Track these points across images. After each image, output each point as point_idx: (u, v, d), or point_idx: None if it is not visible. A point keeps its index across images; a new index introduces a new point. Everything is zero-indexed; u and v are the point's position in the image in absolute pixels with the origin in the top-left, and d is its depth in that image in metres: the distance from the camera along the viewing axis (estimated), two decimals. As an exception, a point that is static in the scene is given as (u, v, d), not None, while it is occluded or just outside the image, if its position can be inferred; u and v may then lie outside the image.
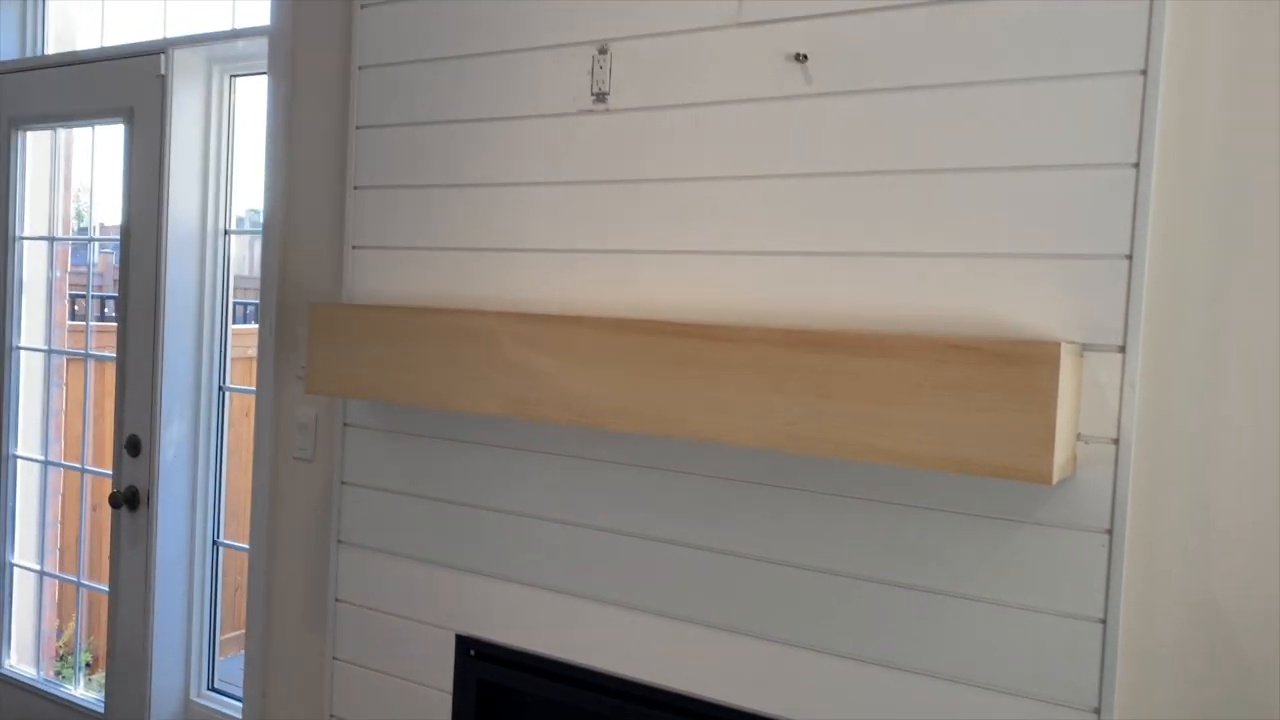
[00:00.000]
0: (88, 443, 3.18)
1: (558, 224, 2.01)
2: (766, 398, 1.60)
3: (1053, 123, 1.55)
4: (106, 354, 3.03)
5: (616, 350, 1.74)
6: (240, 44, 2.71)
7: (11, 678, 3.22)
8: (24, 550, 3.26)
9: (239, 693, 2.76)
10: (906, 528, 1.67)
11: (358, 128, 2.28)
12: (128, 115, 2.85)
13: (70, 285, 3.36)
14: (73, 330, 3.38)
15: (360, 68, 2.27)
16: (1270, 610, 1.48)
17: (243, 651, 2.63)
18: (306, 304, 2.47)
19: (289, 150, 2.50)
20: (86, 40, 3.26)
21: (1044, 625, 1.56)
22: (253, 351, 3.47)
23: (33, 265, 3.22)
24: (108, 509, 3.28)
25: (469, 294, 2.12)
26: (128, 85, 2.85)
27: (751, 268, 1.80)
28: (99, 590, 3.10)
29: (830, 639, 1.74)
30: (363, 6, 2.26)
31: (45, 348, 3.24)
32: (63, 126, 3.13)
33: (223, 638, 3.06)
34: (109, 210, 3.22)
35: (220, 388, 2.93)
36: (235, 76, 2.87)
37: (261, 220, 2.54)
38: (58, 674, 3.33)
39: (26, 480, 3.26)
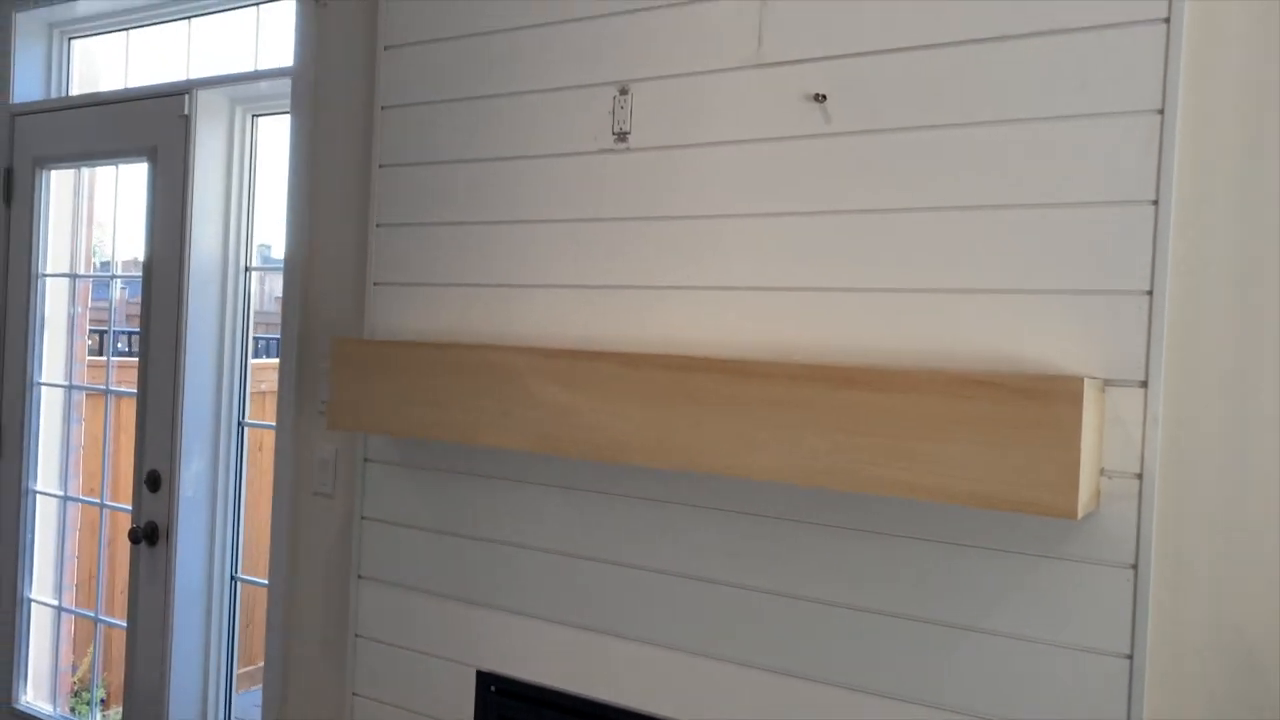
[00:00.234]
0: (107, 478, 3.20)
1: (579, 261, 2.03)
2: (793, 433, 1.61)
3: (1071, 161, 1.57)
4: (127, 389, 3.05)
5: (641, 385, 1.75)
6: (263, 84, 2.75)
7: (28, 713, 3.22)
8: (41, 585, 3.27)
9: (256, 729, 2.75)
10: (931, 562, 1.68)
11: (380, 166, 2.31)
12: (151, 154, 2.89)
13: (90, 320, 3.39)
14: (92, 365, 3.42)
15: (383, 108, 2.31)
16: (1297, 645, 1.48)
17: (256, 687, 2.62)
18: (329, 339, 2.49)
19: (311, 188, 2.54)
20: (109, 81, 3.31)
21: (1071, 661, 1.56)
22: (265, 385, 3.50)
23: (54, 301, 3.26)
24: (125, 544, 3.29)
25: (489, 329, 2.14)
26: (152, 125, 2.89)
27: (773, 304, 1.82)
28: (116, 625, 3.11)
29: (855, 674, 1.74)
30: (386, 48, 2.30)
31: (66, 383, 3.27)
32: (87, 165, 3.18)
33: (238, 672, 3.05)
34: (130, 246, 3.26)
35: (240, 423, 2.95)
36: (257, 116, 2.91)
37: (270, 257, 2.57)
38: (73, 709, 3.32)
39: (45, 515, 3.27)
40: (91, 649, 3.79)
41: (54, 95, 3.30)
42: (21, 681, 3.25)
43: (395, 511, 2.29)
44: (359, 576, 2.33)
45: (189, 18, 3.05)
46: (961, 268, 1.65)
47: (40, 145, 3.19)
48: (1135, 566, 1.52)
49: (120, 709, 3.00)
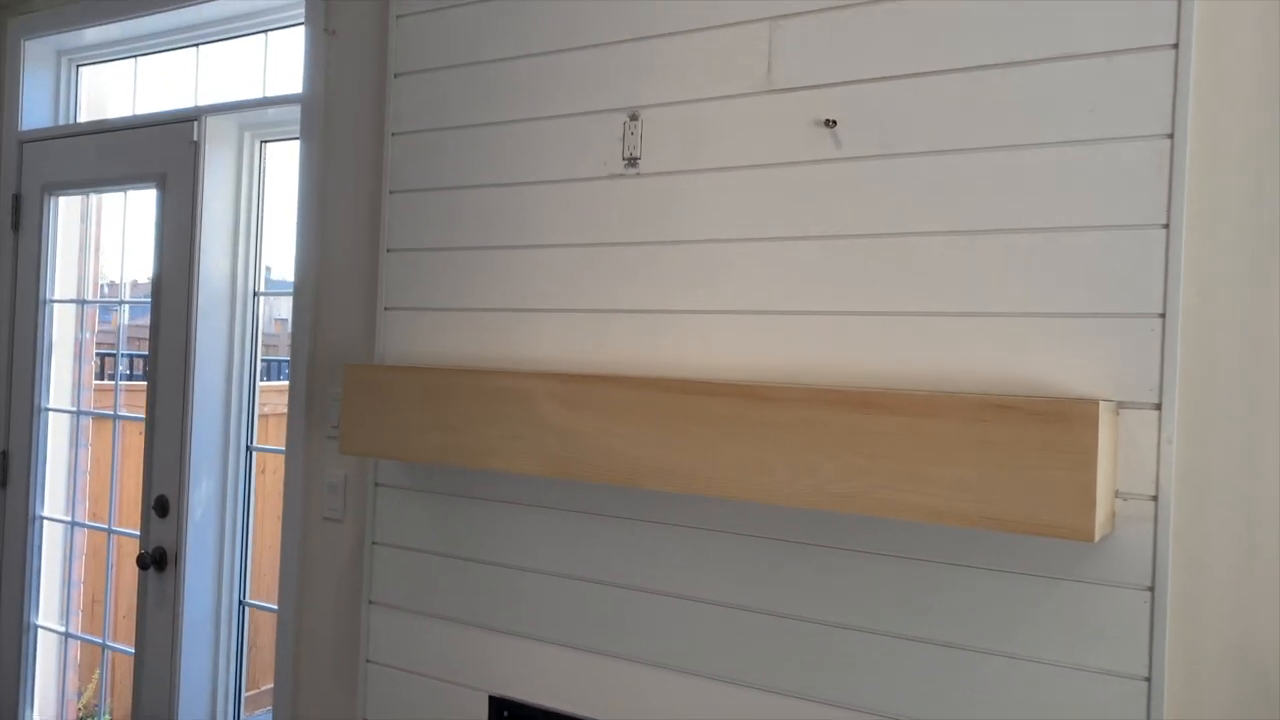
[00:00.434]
0: (115, 503, 3.20)
1: (589, 285, 2.04)
2: (806, 457, 1.61)
3: (1082, 185, 1.58)
4: (135, 415, 3.05)
5: (654, 410, 1.76)
6: (271, 111, 2.77)
7: (34, 741, 3.21)
8: (48, 611, 3.26)
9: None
10: (948, 585, 1.68)
11: (391, 192, 2.32)
12: (161, 180, 2.90)
13: (97, 344, 3.40)
14: (98, 390, 3.42)
15: (394, 134, 2.32)
16: (1315, 667, 1.48)
17: (262, 711, 2.61)
18: (342, 365, 2.50)
19: (320, 213, 2.55)
20: (117, 108, 3.33)
21: (1088, 684, 1.56)
22: (268, 409, 3.51)
23: (62, 327, 3.26)
24: (130, 569, 3.28)
25: (499, 353, 2.15)
26: (161, 151, 2.91)
27: (784, 328, 1.83)
28: (123, 651, 3.10)
29: (871, 698, 1.74)
30: (396, 75, 2.32)
31: (73, 409, 3.27)
32: (95, 192, 3.19)
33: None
34: (137, 270, 3.27)
35: (248, 447, 2.95)
36: (265, 142, 2.93)
37: (271, 279, 2.58)
38: (79, 737, 3.31)
39: (51, 541, 3.27)
40: (97, 674, 3.78)
41: (62, 122, 3.32)
42: (28, 708, 3.24)
43: (406, 536, 2.29)
44: (370, 602, 2.33)
45: (197, 45, 3.07)
46: (973, 291, 1.66)
47: (49, 172, 3.21)
48: (1152, 589, 1.52)
49: (127, 736, 2.99)
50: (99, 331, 3.42)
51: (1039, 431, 1.44)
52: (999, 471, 1.47)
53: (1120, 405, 1.55)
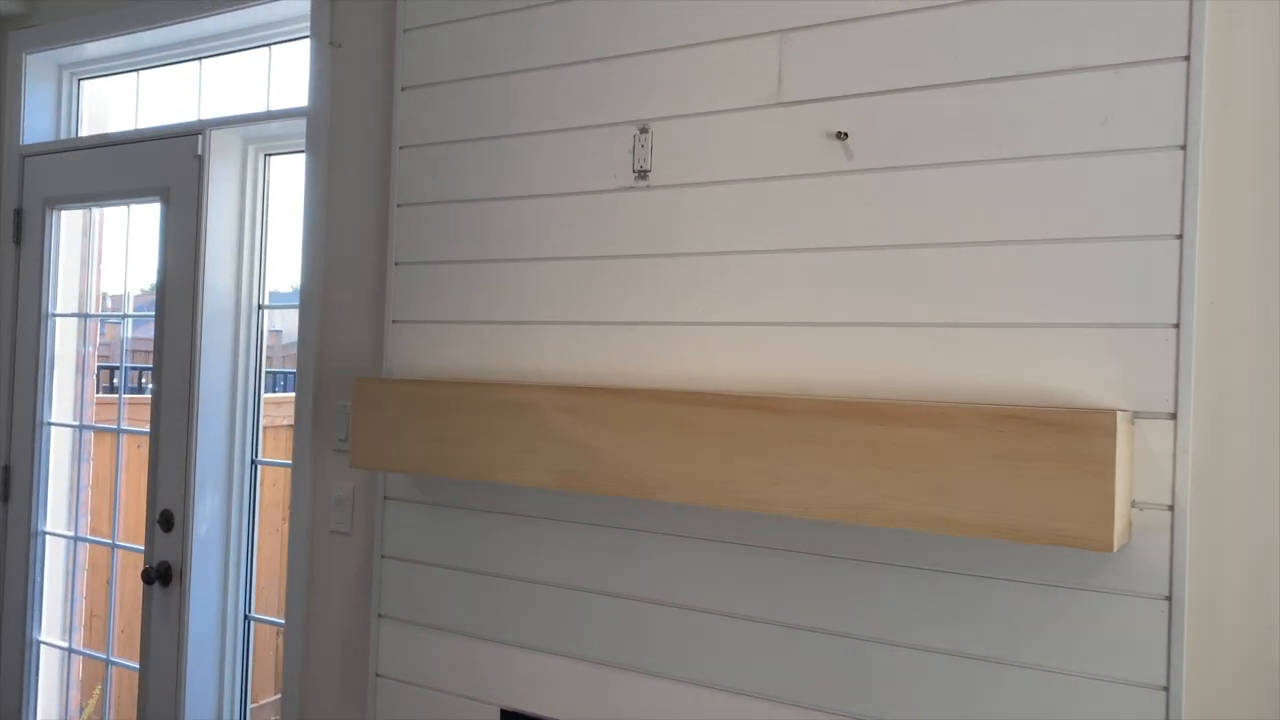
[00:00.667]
0: (118, 518, 3.18)
1: (599, 297, 2.04)
2: (820, 469, 1.62)
3: (1096, 196, 1.59)
4: (139, 429, 3.04)
5: (665, 421, 1.76)
6: (275, 124, 2.77)
7: (37, 758, 3.19)
8: (50, 627, 3.24)
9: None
10: (964, 596, 1.68)
11: (398, 205, 2.32)
12: (164, 194, 2.90)
13: (99, 358, 3.39)
14: (100, 404, 3.41)
15: (401, 148, 2.32)
16: (1333, 675, 1.48)
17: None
18: (348, 378, 2.50)
19: (327, 227, 2.55)
20: (119, 122, 3.33)
21: (1106, 694, 1.56)
22: (267, 421, 3.49)
23: (64, 341, 3.26)
24: (133, 585, 3.27)
25: (507, 366, 2.15)
26: (165, 165, 2.91)
27: (795, 340, 1.83)
28: (126, 667, 3.08)
29: (886, 710, 1.74)
30: (403, 89, 2.32)
31: (75, 423, 3.26)
32: (98, 206, 3.19)
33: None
34: (140, 284, 3.27)
35: (253, 460, 2.94)
36: (269, 155, 2.93)
37: (275, 291, 2.57)
38: (82, 753, 3.29)
39: (53, 556, 3.25)
40: (98, 690, 3.75)
41: (63, 136, 3.32)
42: (31, 725, 3.22)
43: (416, 549, 2.28)
44: (379, 615, 2.32)
45: (200, 59, 3.07)
46: (986, 303, 1.67)
47: (50, 186, 3.20)
48: (1169, 598, 1.53)
49: (132, 752, 2.97)
50: (100, 345, 3.41)
51: (1056, 442, 1.45)
52: (1016, 482, 1.47)
53: (1135, 415, 1.56)
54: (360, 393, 2.13)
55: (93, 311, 3.31)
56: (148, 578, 2.87)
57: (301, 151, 2.69)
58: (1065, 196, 1.61)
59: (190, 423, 2.81)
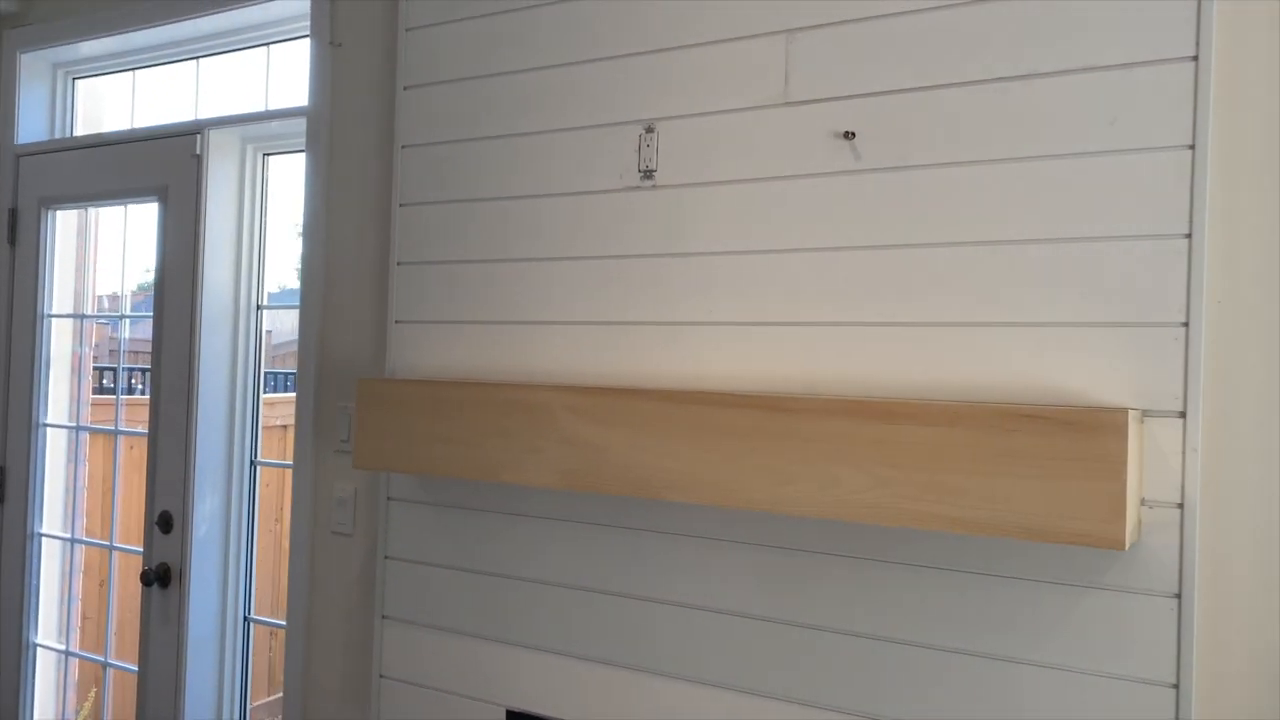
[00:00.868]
0: (116, 519, 3.17)
1: (604, 297, 2.04)
2: (830, 468, 1.62)
3: (1104, 196, 1.60)
4: (137, 430, 3.03)
5: (675, 422, 1.76)
6: (274, 124, 2.76)
7: (33, 761, 3.17)
8: (46, 629, 3.22)
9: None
10: (974, 595, 1.68)
11: (401, 205, 2.32)
12: (162, 194, 2.88)
13: (94, 359, 3.37)
14: (96, 404, 3.39)
15: (403, 147, 2.32)
16: (1342, 671, 1.49)
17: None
18: (349, 379, 2.49)
19: (327, 227, 2.54)
20: (113, 120, 3.31)
21: (1116, 691, 1.57)
22: (263, 421, 3.48)
23: (59, 342, 3.23)
24: (129, 587, 3.25)
25: (511, 366, 2.14)
26: (163, 165, 2.89)
27: (803, 340, 1.83)
28: (123, 669, 3.06)
29: (898, 708, 1.74)
30: (405, 88, 2.32)
31: (72, 424, 3.24)
32: (94, 206, 3.17)
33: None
34: (137, 284, 3.25)
35: (252, 461, 2.93)
36: (268, 155, 2.92)
37: (273, 294, 2.56)
38: (79, 756, 3.27)
39: (50, 558, 3.23)
40: (94, 691, 3.73)
41: (58, 135, 3.29)
42: (27, 728, 3.20)
43: (420, 550, 2.27)
44: (383, 616, 2.32)
45: (197, 58, 3.06)
46: (996, 303, 1.67)
47: (46, 186, 3.18)
48: (1179, 596, 1.53)
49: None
50: (96, 346, 3.39)
51: (1068, 441, 1.45)
52: (1028, 481, 1.48)
53: (1145, 414, 1.56)
54: (364, 393, 2.12)
55: (89, 312, 3.29)
56: (146, 579, 2.85)
57: (301, 151, 2.68)
58: (1073, 196, 1.62)
59: (190, 423, 2.80)
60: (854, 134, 1.79)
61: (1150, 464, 1.56)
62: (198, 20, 2.85)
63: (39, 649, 3.20)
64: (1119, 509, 1.42)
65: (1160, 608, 1.54)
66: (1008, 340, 1.66)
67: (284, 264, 3.11)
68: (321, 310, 2.55)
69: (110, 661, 3.15)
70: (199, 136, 2.81)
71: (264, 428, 3.12)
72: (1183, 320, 1.54)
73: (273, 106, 2.84)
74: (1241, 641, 1.54)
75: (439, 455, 2.02)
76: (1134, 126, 1.58)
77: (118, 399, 3.16)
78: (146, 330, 2.95)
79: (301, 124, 2.65)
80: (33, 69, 3.25)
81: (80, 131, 3.31)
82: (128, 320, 3.23)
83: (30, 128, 3.25)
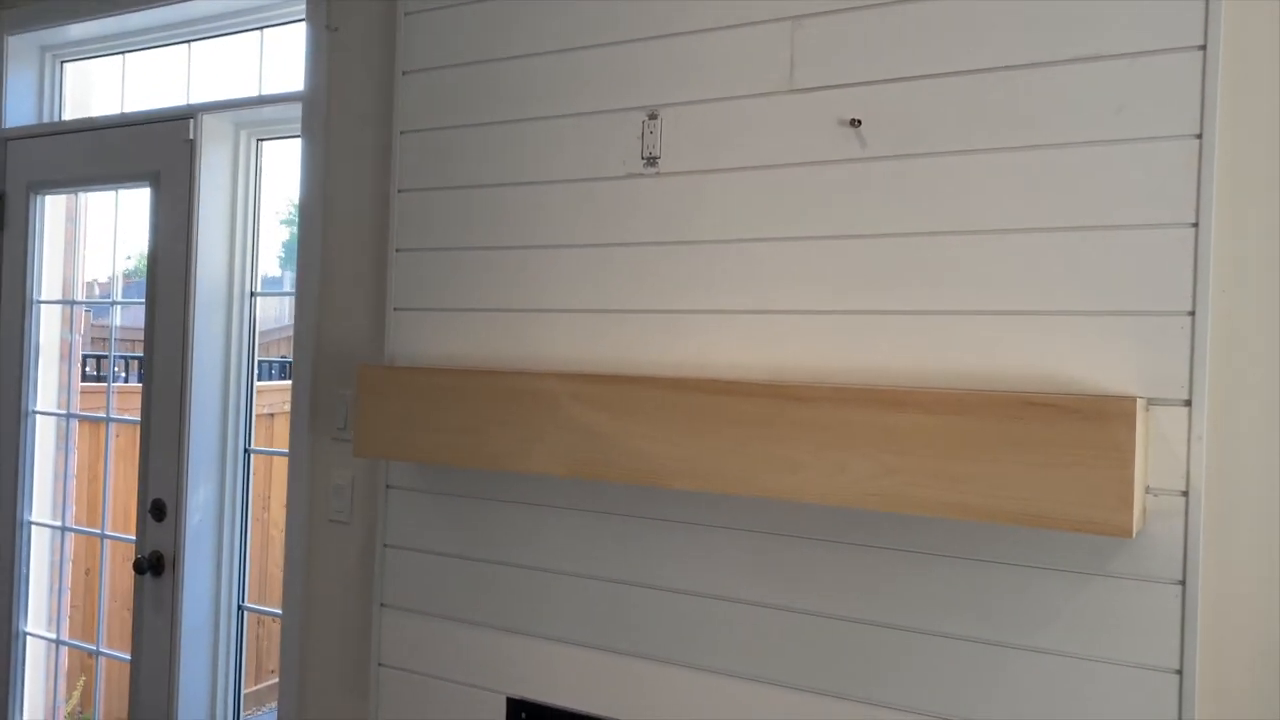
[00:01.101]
0: (108, 507, 3.14)
1: (606, 285, 2.03)
2: (838, 456, 1.62)
3: (1111, 185, 1.60)
4: (129, 417, 3.00)
5: (680, 410, 1.76)
6: (268, 109, 2.73)
7: (24, 750, 3.15)
8: (36, 618, 3.20)
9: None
10: (978, 582, 1.69)
11: (399, 191, 2.30)
12: (154, 179, 2.85)
13: (85, 345, 3.34)
14: (86, 392, 3.36)
15: (402, 132, 2.30)
16: (1343, 657, 1.51)
17: (259, 710, 2.58)
18: (347, 366, 2.47)
19: (324, 213, 2.52)
20: (103, 104, 3.27)
21: (1120, 677, 1.58)
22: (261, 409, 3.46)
23: (49, 328, 3.20)
24: (120, 575, 3.23)
25: (513, 355, 2.14)
26: (155, 150, 2.86)
27: (807, 328, 1.83)
28: (115, 657, 3.05)
29: (902, 695, 1.75)
30: (404, 73, 2.30)
31: (61, 412, 3.21)
32: (85, 191, 3.13)
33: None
34: (127, 270, 3.22)
35: (246, 449, 2.91)
36: (262, 140, 2.89)
37: (264, 282, 2.55)
38: (70, 745, 3.25)
39: (39, 546, 3.21)
40: (83, 680, 3.71)
41: (46, 119, 3.25)
42: (18, 717, 3.17)
43: (419, 538, 2.27)
44: (382, 605, 2.31)
45: (189, 42, 3.02)
46: (1002, 290, 1.68)
47: (35, 170, 3.14)
48: (1183, 583, 1.54)
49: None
50: (84, 332, 3.36)
51: (1075, 429, 1.46)
52: (1036, 469, 1.48)
53: (1150, 402, 1.57)
54: (365, 380, 2.11)
55: (78, 298, 3.25)
56: (139, 568, 2.83)
57: (296, 136, 2.65)
58: (1080, 185, 1.62)
59: (183, 411, 2.78)
60: (860, 121, 1.79)
61: (1155, 452, 1.57)
62: (191, 3, 2.82)
63: (29, 637, 3.18)
64: (1127, 497, 1.42)
65: (1164, 594, 1.56)
66: (1013, 328, 1.67)
67: (279, 252, 3.10)
68: (318, 297, 2.53)
69: (102, 650, 3.13)
70: (192, 121, 2.78)
71: (260, 415, 3.10)
72: (1189, 309, 1.55)
73: (267, 91, 2.81)
74: (1244, 628, 1.56)
75: (442, 443, 2.01)
76: (1141, 115, 1.58)
77: (109, 386, 3.13)
78: (134, 318, 2.92)
79: (297, 109, 2.63)
80: (20, 51, 3.20)
81: (69, 116, 3.27)
82: (118, 307, 3.20)
83: (18, 111, 3.21)
